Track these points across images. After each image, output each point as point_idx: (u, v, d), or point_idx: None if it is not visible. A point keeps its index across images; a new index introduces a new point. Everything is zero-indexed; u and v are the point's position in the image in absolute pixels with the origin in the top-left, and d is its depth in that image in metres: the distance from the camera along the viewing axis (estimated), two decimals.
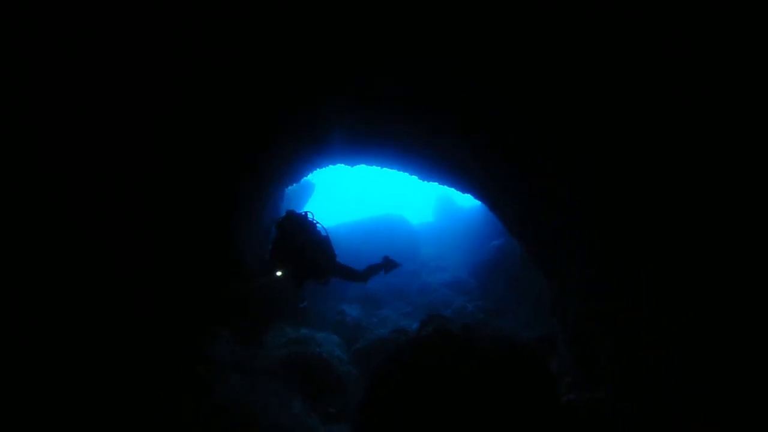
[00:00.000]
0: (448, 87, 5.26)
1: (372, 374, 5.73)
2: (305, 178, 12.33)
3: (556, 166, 5.31)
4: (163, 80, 4.64)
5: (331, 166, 11.42)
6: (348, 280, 8.58)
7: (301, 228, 7.35)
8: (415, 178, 10.44)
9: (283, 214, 7.60)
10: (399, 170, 10.19)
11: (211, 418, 6.49)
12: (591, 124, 4.24)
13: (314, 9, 4.10)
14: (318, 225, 7.72)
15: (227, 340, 9.52)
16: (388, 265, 8.89)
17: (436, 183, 9.85)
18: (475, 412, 4.82)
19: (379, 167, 10.56)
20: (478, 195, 8.69)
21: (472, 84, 5.00)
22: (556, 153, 5.15)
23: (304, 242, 7.24)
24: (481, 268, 14.98)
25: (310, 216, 7.73)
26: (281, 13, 4.15)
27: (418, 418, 5.13)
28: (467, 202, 17.59)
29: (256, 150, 7.36)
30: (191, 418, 6.44)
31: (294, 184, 12.27)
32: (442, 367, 5.02)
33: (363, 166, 10.73)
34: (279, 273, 7.39)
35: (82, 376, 4.73)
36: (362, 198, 26.47)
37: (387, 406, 5.51)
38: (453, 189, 9.62)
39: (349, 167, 11.20)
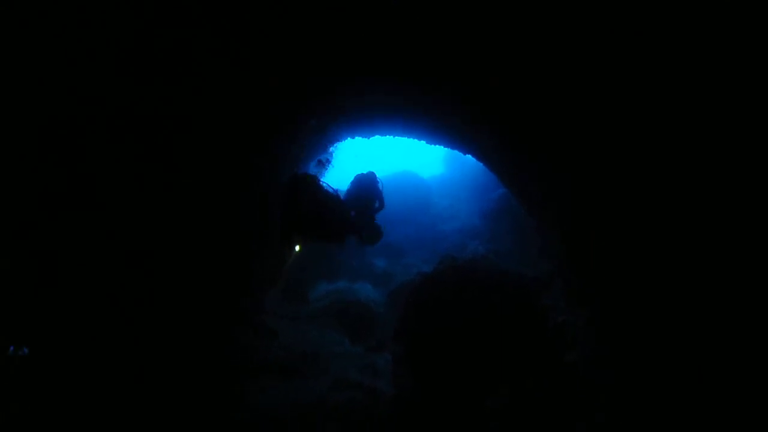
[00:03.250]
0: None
1: (404, 303, 7.49)
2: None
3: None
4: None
5: (348, 139, 12.88)
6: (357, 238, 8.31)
7: (306, 192, 7.08)
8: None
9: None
10: (409, 137, 11.71)
11: (282, 353, 8.32)
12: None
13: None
14: (324, 185, 7.44)
15: (278, 298, 11.38)
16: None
17: (441, 146, 11.38)
18: (476, 328, 6.58)
19: (391, 136, 12.07)
20: (475, 155, 10.20)
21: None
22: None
23: (312, 206, 7.02)
24: (489, 213, 16.52)
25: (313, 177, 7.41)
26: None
27: (437, 335, 6.90)
28: None
29: (291, 132, 8.89)
30: (267, 354, 8.27)
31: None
32: (452, 294, 6.77)
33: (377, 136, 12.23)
34: (297, 248, 7.60)
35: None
36: (375, 159, 27.63)
37: (415, 328, 7.29)
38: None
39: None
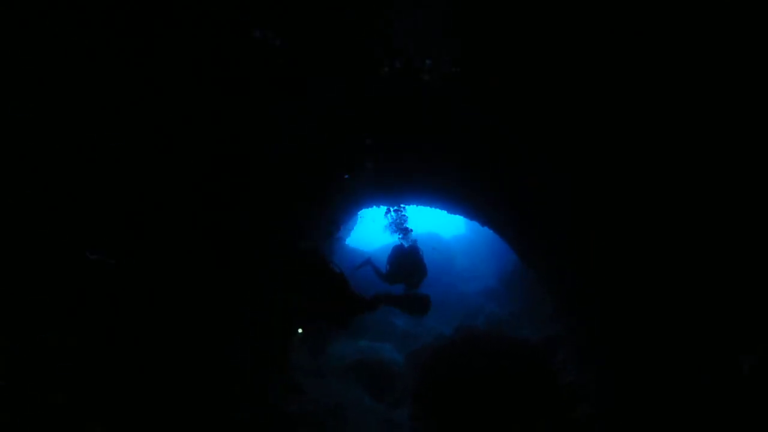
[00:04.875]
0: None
1: (421, 369, 8.23)
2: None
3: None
4: None
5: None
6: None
7: (306, 274, 6.70)
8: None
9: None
10: (432, 207, 12.69)
11: (310, 407, 9.04)
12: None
13: None
14: (325, 264, 6.88)
15: (302, 352, 12.12)
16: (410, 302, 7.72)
17: (461, 216, 12.30)
18: (490, 394, 7.27)
19: (415, 205, 13.09)
20: (491, 228, 11.06)
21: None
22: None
23: (307, 290, 6.68)
24: (507, 276, 17.20)
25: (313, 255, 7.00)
26: None
27: (453, 398, 7.59)
28: None
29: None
30: (295, 409, 8.99)
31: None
32: (467, 362, 7.50)
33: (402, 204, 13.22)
34: (300, 330, 7.41)
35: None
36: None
37: (432, 391, 7.99)
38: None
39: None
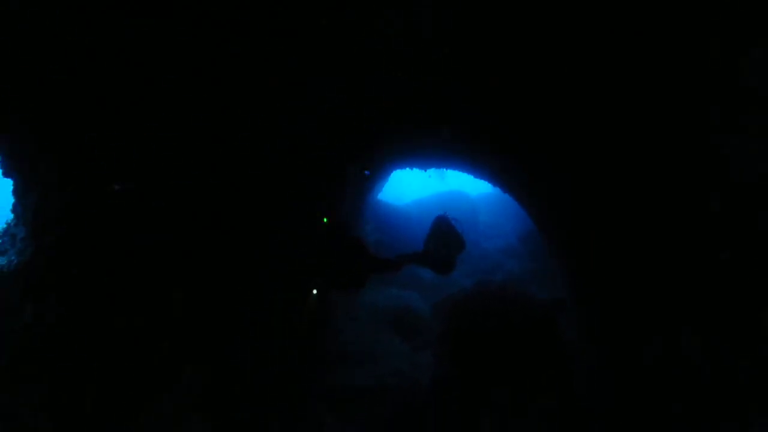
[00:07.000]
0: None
1: (445, 314, 9.60)
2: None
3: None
4: None
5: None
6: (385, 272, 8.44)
7: (330, 239, 7.32)
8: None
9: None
10: (460, 172, 13.80)
11: (347, 347, 10.56)
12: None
13: None
14: (345, 233, 7.56)
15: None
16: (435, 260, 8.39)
17: (486, 182, 13.41)
18: (500, 341, 8.61)
19: (444, 169, 14.22)
20: (514, 197, 12.17)
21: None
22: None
23: (330, 255, 7.22)
24: (527, 234, 18.32)
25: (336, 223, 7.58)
26: None
27: (469, 344, 8.96)
28: None
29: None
30: (333, 347, 10.51)
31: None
32: (483, 314, 8.84)
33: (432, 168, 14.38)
34: (314, 291, 7.88)
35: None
36: (429, 176, 29.60)
37: (453, 337, 9.37)
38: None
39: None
